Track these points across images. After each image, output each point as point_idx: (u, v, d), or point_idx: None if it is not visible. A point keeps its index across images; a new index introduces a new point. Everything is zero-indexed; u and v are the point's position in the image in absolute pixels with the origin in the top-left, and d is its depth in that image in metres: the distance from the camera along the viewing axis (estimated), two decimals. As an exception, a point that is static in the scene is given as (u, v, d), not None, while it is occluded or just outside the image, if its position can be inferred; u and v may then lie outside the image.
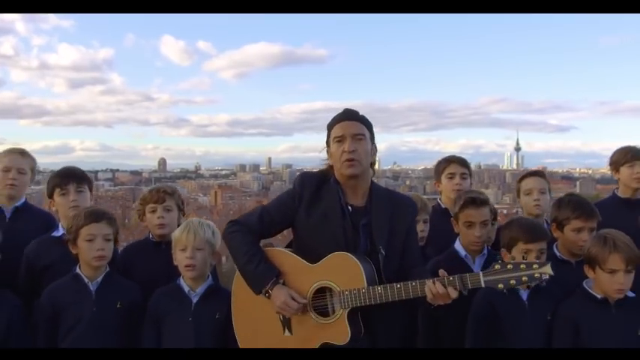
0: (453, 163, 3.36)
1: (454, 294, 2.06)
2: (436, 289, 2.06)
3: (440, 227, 3.04)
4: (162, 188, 2.89)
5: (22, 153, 3.08)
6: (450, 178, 3.33)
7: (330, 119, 2.36)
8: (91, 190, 2.96)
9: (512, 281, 2.03)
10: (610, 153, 3.39)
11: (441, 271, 2.11)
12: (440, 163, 3.45)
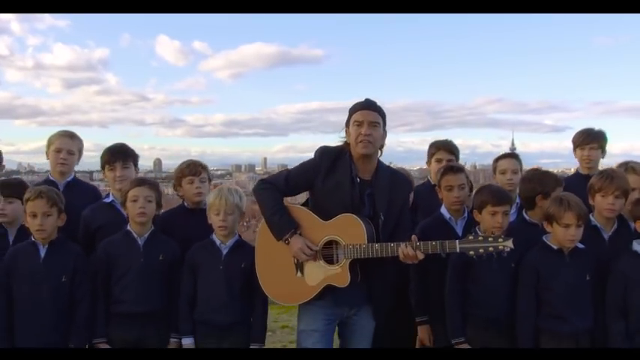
0: (441, 149, 3.85)
1: (421, 256, 2.59)
2: (407, 251, 2.59)
3: (429, 199, 3.55)
4: (198, 162, 3.37)
5: (72, 136, 3.59)
6: (438, 162, 3.84)
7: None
8: (136, 164, 3.46)
9: (481, 250, 2.57)
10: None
11: (414, 237, 2.64)
12: (430, 147, 3.93)
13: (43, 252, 2.90)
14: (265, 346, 3.08)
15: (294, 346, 5.19)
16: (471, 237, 2.60)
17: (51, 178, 3.52)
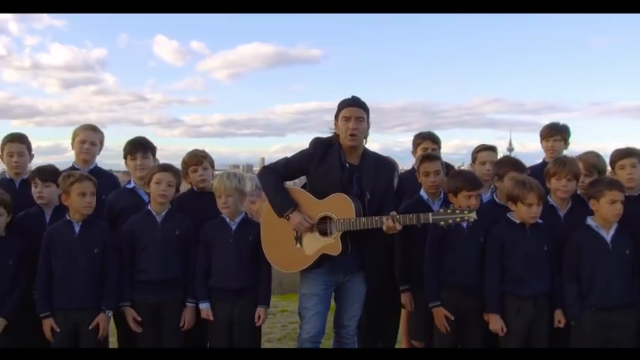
0: (426, 139, 4.26)
1: (399, 227, 3.05)
2: (388, 224, 3.05)
3: (413, 183, 3.96)
4: (200, 153, 3.76)
5: (94, 129, 4.03)
6: (424, 150, 4.22)
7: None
8: (154, 155, 3.88)
9: (450, 221, 3.04)
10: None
11: (393, 213, 3.09)
12: (416, 137, 4.34)
13: (77, 228, 3.33)
14: (267, 327, 3.49)
15: (293, 326, 5.69)
16: (441, 210, 3.08)
17: (75, 166, 3.92)
